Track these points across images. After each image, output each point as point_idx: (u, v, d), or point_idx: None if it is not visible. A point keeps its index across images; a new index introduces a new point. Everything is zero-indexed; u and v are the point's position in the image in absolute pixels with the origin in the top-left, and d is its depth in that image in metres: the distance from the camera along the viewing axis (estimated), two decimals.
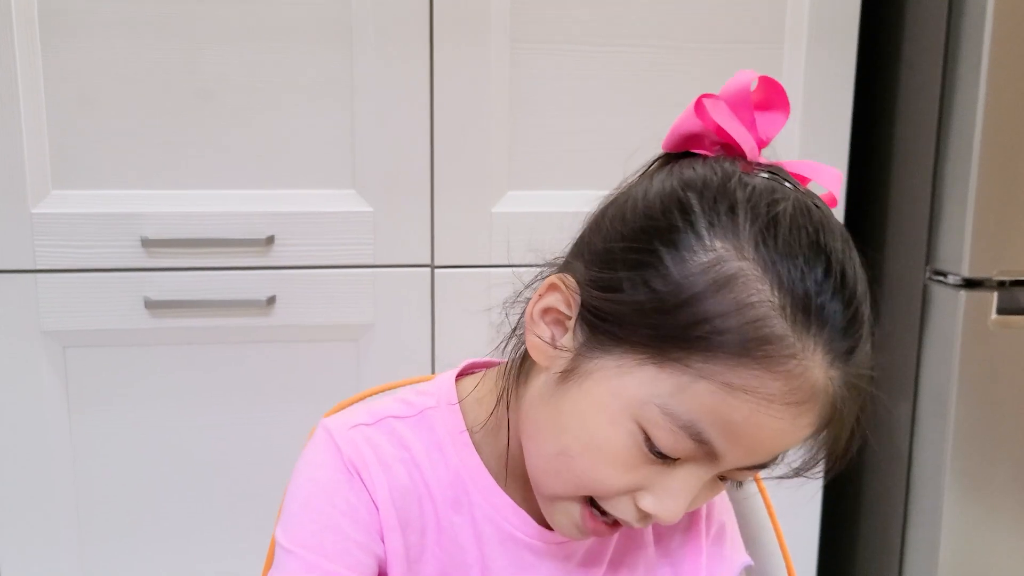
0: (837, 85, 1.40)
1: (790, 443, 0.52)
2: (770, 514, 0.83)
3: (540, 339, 0.56)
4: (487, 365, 0.67)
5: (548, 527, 0.61)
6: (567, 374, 0.54)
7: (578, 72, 1.33)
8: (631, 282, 0.51)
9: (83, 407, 1.30)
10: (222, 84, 1.26)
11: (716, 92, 0.56)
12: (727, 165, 0.54)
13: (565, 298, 0.55)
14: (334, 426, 0.61)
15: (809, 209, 0.52)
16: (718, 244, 0.50)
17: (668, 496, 0.52)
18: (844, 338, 0.51)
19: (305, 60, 1.27)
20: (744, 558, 0.68)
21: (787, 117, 0.58)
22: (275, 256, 1.29)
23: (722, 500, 0.70)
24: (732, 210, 0.51)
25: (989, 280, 1.30)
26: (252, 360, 1.32)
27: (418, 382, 0.67)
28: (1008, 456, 1.35)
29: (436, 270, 1.33)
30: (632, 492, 0.53)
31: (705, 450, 0.51)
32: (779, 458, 0.54)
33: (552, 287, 0.56)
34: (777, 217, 0.51)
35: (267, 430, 1.32)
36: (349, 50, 1.27)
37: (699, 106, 0.56)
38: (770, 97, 0.58)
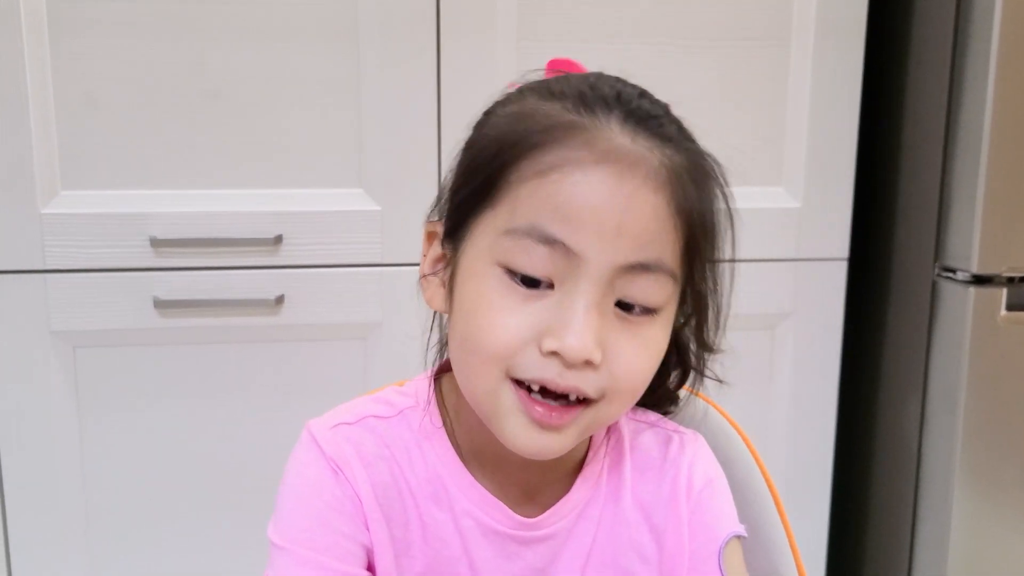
0: (845, 81, 1.40)
1: (631, 214, 0.53)
2: (780, 512, 0.83)
3: (432, 291, 0.62)
4: None
5: (528, 516, 0.62)
6: (448, 289, 0.60)
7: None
8: (458, 162, 0.61)
9: (92, 406, 1.31)
10: (230, 84, 1.26)
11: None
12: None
13: (436, 234, 0.62)
14: (317, 427, 0.63)
15: (592, 74, 0.62)
16: (511, 106, 0.60)
17: (564, 329, 0.53)
18: (638, 110, 0.57)
19: (312, 60, 1.27)
20: (732, 527, 0.66)
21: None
22: (283, 255, 1.30)
23: (704, 468, 0.68)
24: (522, 90, 0.61)
25: (998, 276, 1.29)
26: (260, 359, 1.33)
27: (402, 384, 0.69)
28: (1018, 453, 1.35)
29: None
30: (536, 343, 0.54)
31: (562, 253, 0.53)
32: (658, 258, 0.55)
33: (427, 236, 0.64)
34: (556, 76, 0.62)
35: (276, 429, 1.33)
36: (356, 49, 1.28)
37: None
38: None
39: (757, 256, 1.43)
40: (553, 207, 0.53)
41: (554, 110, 0.56)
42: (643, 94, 0.59)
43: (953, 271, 1.34)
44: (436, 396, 0.65)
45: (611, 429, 0.68)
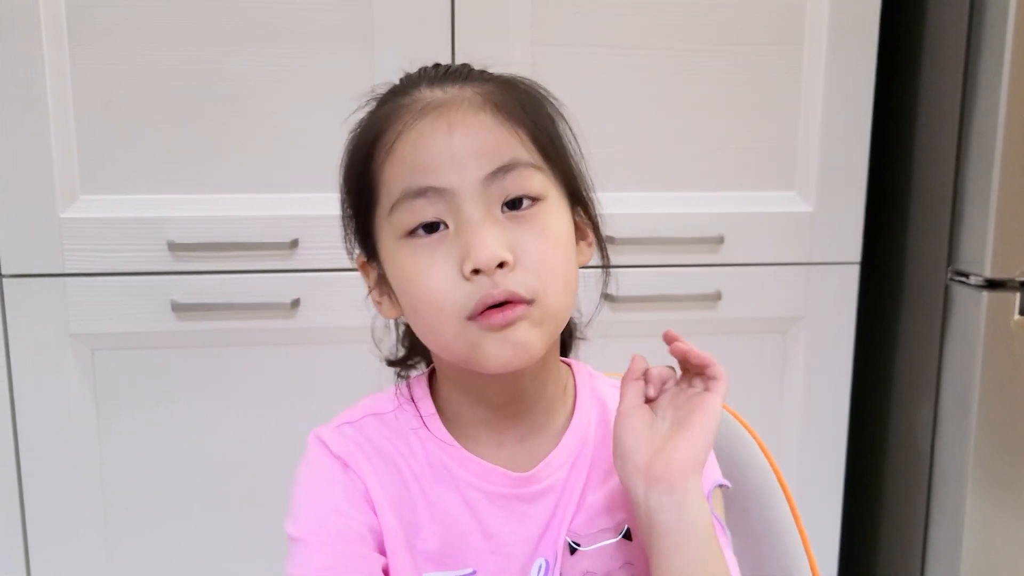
0: (857, 85, 1.40)
1: (466, 136, 0.61)
2: (794, 515, 0.83)
3: (383, 307, 0.70)
4: None
5: (524, 470, 0.67)
6: (392, 296, 0.68)
7: (597, 74, 1.33)
8: (341, 199, 0.71)
9: (111, 409, 1.32)
10: (246, 89, 1.27)
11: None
12: None
13: (363, 262, 0.71)
14: (322, 431, 0.70)
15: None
16: (353, 132, 0.70)
17: (471, 248, 0.60)
18: (438, 73, 0.67)
19: (328, 64, 1.28)
20: (715, 478, 0.71)
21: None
22: (299, 259, 1.31)
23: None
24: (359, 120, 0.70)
25: (1012, 281, 1.29)
26: (277, 362, 1.34)
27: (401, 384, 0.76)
28: None
29: None
30: (460, 274, 0.60)
31: (435, 196, 0.61)
32: (512, 158, 0.62)
33: (362, 267, 0.72)
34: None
35: (292, 431, 1.33)
36: (372, 53, 1.29)
37: None
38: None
39: (770, 260, 1.43)
40: (410, 167, 0.61)
41: (379, 107, 0.67)
42: (442, 65, 0.69)
43: (966, 275, 1.34)
44: (429, 389, 0.72)
45: (594, 393, 0.73)
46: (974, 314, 1.32)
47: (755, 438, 0.86)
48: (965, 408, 1.34)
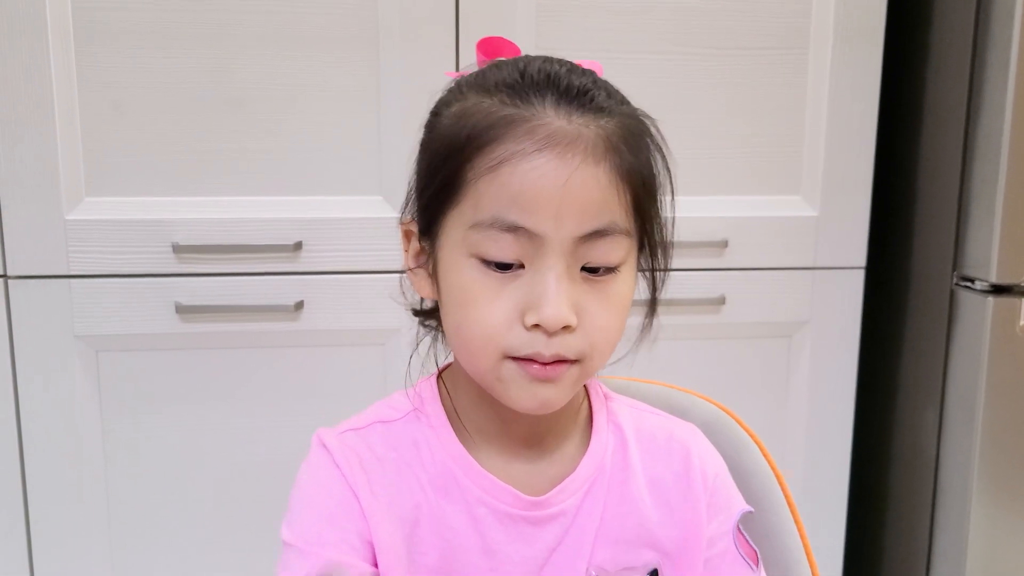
0: (862, 90, 1.40)
1: (579, 190, 0.58)
2: (796, 522, 0.83)
3: (420, 282, 0.67)
4: None
5: (537, 494, 0.65)
6: (433, 279, 0.65)
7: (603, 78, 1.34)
8: (417, 164, 0.66)
9: (115, 410, 1.32)
10: (251, 92, 1.28)
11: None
12: None
13: (412, 232, 0.66)
14: (326, 435, 0.68)
15: (521, 59, 0.65)
16: (455, 106, 0.63)
17: (541, 303, 0.58)
18: (569, 89, 0.61)
19: (333, 68, 1.29)
20: (741, 506, 0.72)
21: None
22: (303, 262, 1.31)
23: (713, 456, 0.73)
24: (461, 86, 0.65)
25: (1018, 286, 1.29)
26: (280, 364, 1.34)
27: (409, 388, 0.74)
28: None
29: None
30: (520, 319, 0.59)
31: (525, 236, 0.58)
32: (610, 222, 0.60)
33: (405, 234, 0.67)
34: (489, 66, 0.65)
35: (295, 433, 1.34)
36: (376, 58, 1.29)
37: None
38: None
39: (774, 264, 1.43)
40: (509, 197, 0.58)
41: (493, 106, 0.60)
42: (571, 69, 0.63)
43: (972, 280, 1.33)
44: (440, 394, 0.69)
45: (611, 418, 0.72)
46: (979, 319, 1.31)
47: (758, 444, 0.86)
48: (970, 414, 1.34)
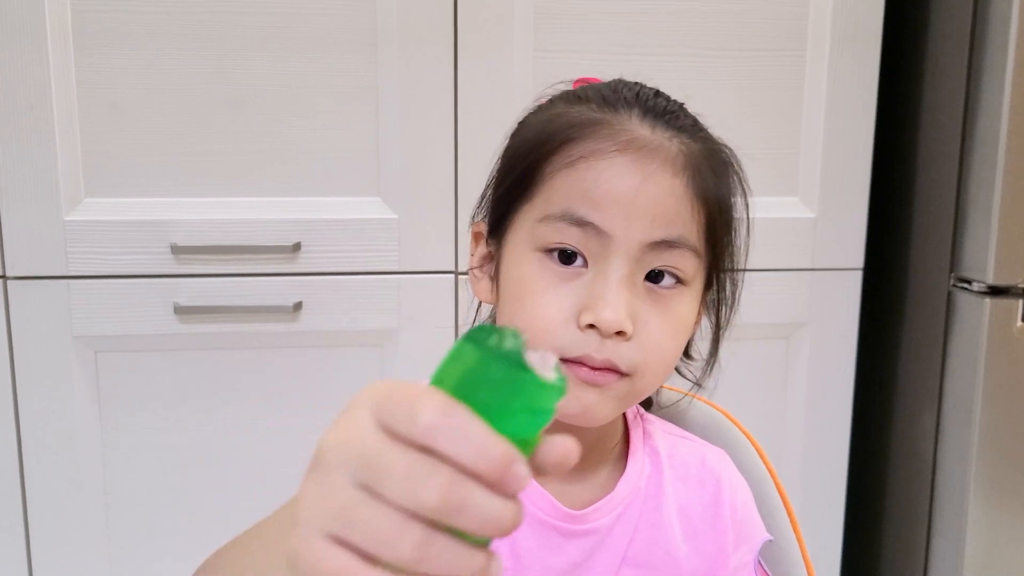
0: (860, 91, 1.40)
1: (653, 195, 0.58)
2: (793, 524, 0.83)
3: (480, 285, 0.67)
4: None
5: (574, 508, 0.65)
6: (495, 282, 0.65)
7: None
8: (497, 167, 0.66)
9: (113, 410, 1.32)
10: (250, 94, 1.28)
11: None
12: None
13: (481, 231, 0.67)
14: None
15: (613, 80, 0.68)
16: (543, 112, 0.65)
17: (599, 303, 0.58)
18: (655, 106, 0.62)
19: (331, 70, 1.29)
20: (764, 535, 0.72)
21: None
22: (301, 263, 1.31)
23: (742, 486, 0.73)
24: (552, 100, 0.67)
25: (1015, 287, 1.29)
26: (278, 365, 1.34)
27: None
28: None
29: (460, 276, 1.34)
30: (575, 319, 0.58)
31: (593, 233, 0.58)
32: (680, 235, 0.60)
33: (474, 236, 0.68)
34: (580, 85, 0.67)
35: (293, 434, 1.34)
36: (375, 60, 1.29)
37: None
38: None
39: (772, 266, 1.43)
40: (582, 193, 0.58)
41: (580, 111, 0.62)
42: (659, 93, 0.65)
43: (969, 282, 1.34)
44: None
45: (648, 439, 0.71)
46: (976, 321, 1.31)
47: (755, 446, 0.86)
48: (967, 415, 1.34)
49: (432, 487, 0.32)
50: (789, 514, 0.84)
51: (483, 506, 0.32)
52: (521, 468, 0.33)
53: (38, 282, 1.27)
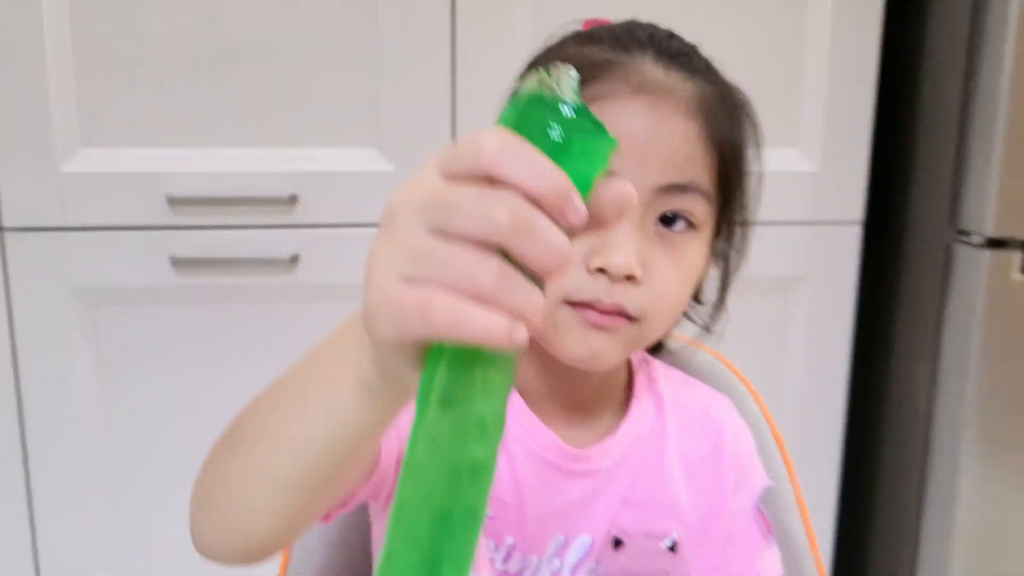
0: (863, 42, 1.40)
1: (665, 139, 0.58)
2: (788, 469, 0.85)
3: None
4: None
5: (575, 447, 0.66)
6: None
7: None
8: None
9: (112, 362, 1.34)
10: (247, 44, 1.28)
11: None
12: None
13: None
14: None
15: (626, 21, 0.66)
16: (553, 54, 0.64)
17: (609, 248, 0.57)
18: (669, 48, 0.62)
19: (330, 21, 1.29)
20: (764, 481, 0.73)
21: None
22: (298, 215, 1.32)
23: (744, 434, 0.74)
24: (563, 41, 0.66)
25: (1013, 239, 1.30)
26: (276, 318, 1.35)
27: None
28: None
29: None
30: (584, 263, 0.58)
31: (605, 176, 0.57)
32: (692, 179, 0.60)
33: None
34: (593, 26, 0.66)
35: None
36: (373, 11, 1.29)
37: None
38: None
39: (772, 219, 1.41)
40: None
41: (593, 52, 0.61)
42: (672, 35, 0.64)
43: (968, 234, 1.34)
44: None
45: (652, 385, 0.72)
46: (975, 272, 1.33)
47: (753, 394, 0.88)
48: (964, 366, 1.35)
49: (503, 208, 0.33)
50: (785, 460, 0.86)
51: (547, 231, 0.34)
52: (579, 200, 0.34)
53: (35, 233, 1.28)
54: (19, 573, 1.38)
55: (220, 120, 1.29)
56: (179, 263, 1.29)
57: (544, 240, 0.34)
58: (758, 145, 0.66)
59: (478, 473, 0.35)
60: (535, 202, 0.34)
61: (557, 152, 0.34)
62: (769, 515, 0.77)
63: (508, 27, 1.31)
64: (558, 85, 0.35)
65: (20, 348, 1.31)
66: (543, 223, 0.34)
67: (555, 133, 0.35)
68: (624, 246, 0.57)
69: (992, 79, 1.28)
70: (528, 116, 0.35)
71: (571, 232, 0.35)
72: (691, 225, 0.60)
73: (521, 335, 0.34)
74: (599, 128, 0.35)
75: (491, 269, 0.34)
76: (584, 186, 0.35)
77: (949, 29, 1.38)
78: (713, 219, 0.63)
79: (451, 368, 0.35)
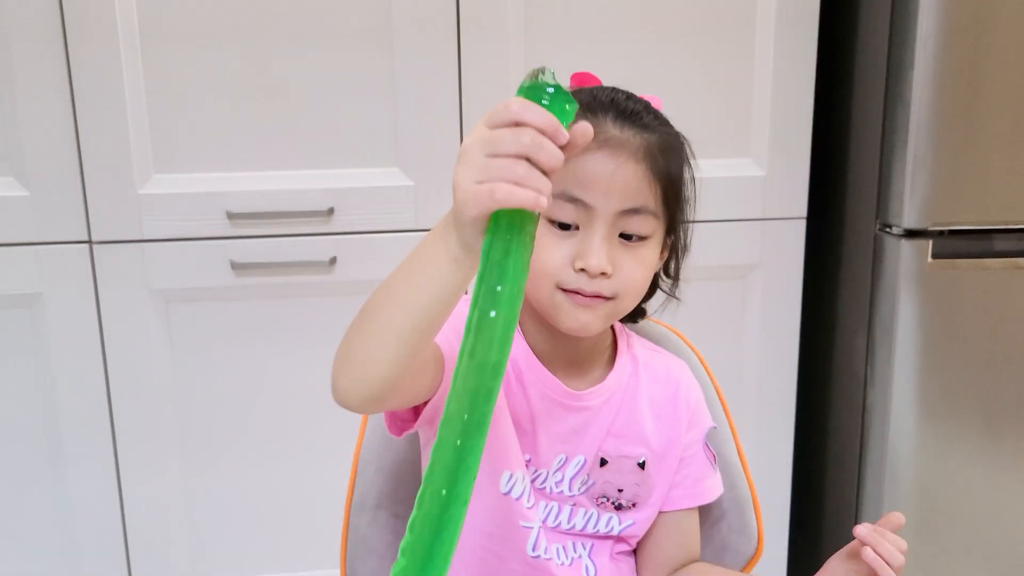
0: (801, 65, 1.53)
1: (622, 178, 0.76)
2: (726, 414, 1.02)
3: None
4: None
5: (574, 391, 0.85)
6: None
7: (586, 62, 1.49)
8: None
9: (184, 350, 1.48)
10: (289, 81, 1.42)
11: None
12: None
13: None
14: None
15: (596, 87, 0.83)
16: None
17: (587, 254, 0.76)
18: (625, 110, 0.79)
19: (354, 59, 1.43)
20: (709, 423, 0.93)
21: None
22: (335, 224, 1.46)
23: (695, 387, 0.94)
24: None
25: (926, 231, 1.44)
26: (318, 310, 1.49)
27: None
28: (945, 375, 1.51)
29: None
30: (571, 264, 0.77)
31: (581, 207, 0.76)
32: (643, 204, 0.77)
33: None
34: (573, 91, 0.80)
35: (330, 367, 1.53)
36: (390, 49, 1.43)
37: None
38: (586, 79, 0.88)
39: (729, 216, 1.58)
40: (574, 178, 0.76)
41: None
42: (630, 97, 0.82)
43: (891, 226, 1.48)
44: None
45: (630, 349, 0.91)
46: (897, 258, 1.47)
47: (699, 357, 1.03)
48: (890, 337, 1.50)
49: (526, 136, 0.55)
50: (724, 408, 1.02)
51: (550, 148, 0.56)
52: (564, 131, 0.57)
53: (118, 245, 1.42)
54: (109, 526, 1.53)
55: (269, 146, 1.43)
56: (237, 267, 1.45)
57: (548, 152, 0.55)
58: (692, 171, 0.86)
59: (495, 325, 0.56)
60: (540, 134, 0.55)
61: (547, 109, 0.56)
62: (713, 448, 0.94)
63: (505, 60, 1.45)
64: (544, 77, 0.58)
65: (107, 340, 1.46)
66: (547, 143, 0.55)
67: (545, 101, 0.57)
68: (599, 253, 0.76)
69: (904, 99, 1.42)
70: (530, 93, 0.57)
71: (562, 150, 0.57)
72: (643, 237, 0.79)
73: (543, 201, 0.55)
74: (568, 98, 0.58)
75: (523, 167, 0.55)
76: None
77: (872, 55, 1.50)
78: (663, 227, 0.83)
79: (507, 226, 0.57)
